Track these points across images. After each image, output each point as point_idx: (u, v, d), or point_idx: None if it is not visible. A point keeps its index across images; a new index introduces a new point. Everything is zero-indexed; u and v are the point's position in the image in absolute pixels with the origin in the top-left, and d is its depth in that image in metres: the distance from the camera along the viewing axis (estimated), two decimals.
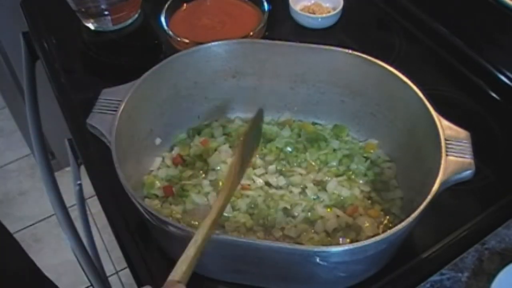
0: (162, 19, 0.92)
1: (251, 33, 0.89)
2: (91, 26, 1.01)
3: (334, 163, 0.76)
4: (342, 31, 0.99)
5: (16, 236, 0.92)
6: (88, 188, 0.85)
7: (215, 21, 0.96)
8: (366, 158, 0.76)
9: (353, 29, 1.00)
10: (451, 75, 0.92)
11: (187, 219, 0.70)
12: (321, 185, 0.74)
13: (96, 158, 0.80)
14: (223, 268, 0.65)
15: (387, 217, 0.70)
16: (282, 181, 0.74)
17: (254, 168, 0.76)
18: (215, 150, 0.77)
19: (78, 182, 0.99)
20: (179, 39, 0.89)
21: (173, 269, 0.50)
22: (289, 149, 0.77)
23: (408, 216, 0.57)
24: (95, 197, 0.77)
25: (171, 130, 0.79)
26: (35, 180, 1.81)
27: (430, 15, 0.99)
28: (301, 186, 0.74)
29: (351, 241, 0.67)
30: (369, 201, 0.72)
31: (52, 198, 0.95)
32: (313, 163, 0.76)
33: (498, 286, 0.57)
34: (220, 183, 0.74)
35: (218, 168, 0.76)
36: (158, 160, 0.77)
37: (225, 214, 0.71)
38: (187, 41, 0.88)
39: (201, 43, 0.76)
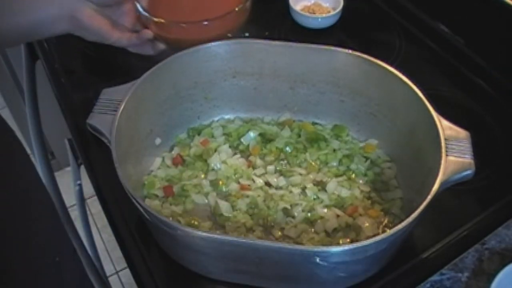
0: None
1: (236, 9, 0.81)
2: None
3: (334, 163, 0.76)
4: (342, 31, 0.99)
5: None
6: (88, 188, 0.85)
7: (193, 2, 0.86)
8: (366, 158, 0.76)
9: (353, 29, 1.00)
10: (451, 75, 0.92)
11: (187, 219, 0.70)
12: (321, 185, 0.74)
13: (96, 158, 0.80)
14: (223, 268, 0.65)
15: (387, 217, 0.70)
16: (282, 181, 0.74)
17: (254, 168, 0.76)
18: (215, 150, 0.77)
19: (78, 182, 0.99)
20: (155, 19, 0.81)
21: None
22: (289, 149, 0.77)
23: (408, 216, 0.57)
24: (95, 197, 0.77)
25: (171, 130, 0.79)
26: None
27: (430, 15, 0.99)
28: (301, 186, 0.74)
29: (351, 241, 0.67)
30: (369, 201, 0.72)
31: (52, 198, 0.95)
32: (313, 163, 0.76)
33: (498, 286, 0.57)
34: (220, 183, 0.74)
35: (218, 168, 0.76)
36: (158, 160, 0.77)
37: (225, 214, 0.71)
38: (163, 21, 0.81)
39: (180, 23, 0.76)
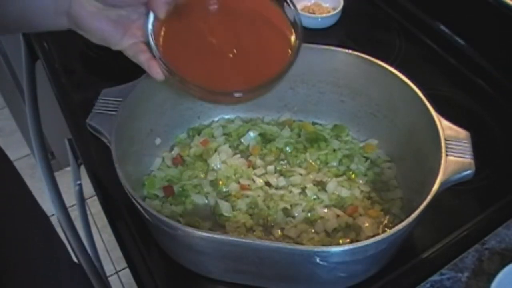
0: (149, 26, 0.60)
1: (279, 71, 0.61)
2: None
3: (334, 163, 0.76)
4: (342, 31, 0.99)
5: None
6: (88, 188, 0.85)
7: (226, 42, 0.62)
8: (366, 158, 0.76)
9: (353, 29, 1.00)
10: (451, 75, 0.92)
11: (187, 219, 0.70)
12: (321, 185, 0.74)
13: (96, 158, 0.80)
14: (223, 268, 0.65)
15: (387, 217, 0.70)
16: (282, 181, 0.74)
17: (254, 168, 0.76)
18: (215, 150, 0.77)
19: (78, 182, 0.99)
20: (165, 68, 0.60)
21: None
22: (289, 149, 0.77)
23: (408, 216, 0.57)
24: (95, 197, 0.77)
25: (171, 130, 0.79)
26: (35, 180, 1.80)
27: (430, 15, 0.99)
28: (301, 186, 0.74)
29: (351, 241, 0.67)
30: (369, 201, 0.72)
31: (52, 198, 0.95)
32: (313, 163, 0.76)
33: (498, 286, 0.57)
34: (220, 183, 0.74)
35: (218, 168, 0.76)
36: (158, 160, 0.77)
37: (225, 214, 0.71)
38: (179, 78, 0.60)
39: (203, 88, 0.59)
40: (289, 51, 0.63)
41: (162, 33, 0.61)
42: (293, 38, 0.63)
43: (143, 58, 0.60)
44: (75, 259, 0.87)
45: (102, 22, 0.57)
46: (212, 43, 0.62)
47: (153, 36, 0.59)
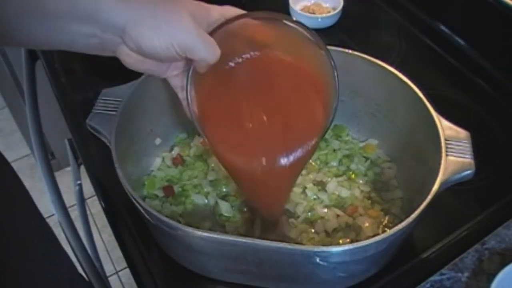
0: (189, 80, 0.60)
1: (314, 142, 0.61)
2: None
3: (334, 163, 0.76)
4: (342, 31, 0.99)
5: None
6: (88, 188, 0.85)
7: (258, 111, 0.61)
8: (366, 158, 0.76)
9: (353, 29, 1.00)
10: (452, 75, 0.92)
11: (187, 219, 0.70)
12: (321, 185, 0.74)
13: (96, 158, 0.80)
14: (223, 268, 0.65)
15: (387, 217, 0.70)
16: None
17: None
18: None
19: (78, 182, 0.99)
20: (202, 132, 0.61)
21: None
22: None
23: (408, 216, 0.57)
24: (95, 197, 0.77)
25: (171, 130, 0.79)
26: (35, 180, 1.81)
27: (430, 15, 0.99)
28: (301, 186, 0.74)
29: (351, 241, 0.67)
30: (369, 201, 0.72)
31: (52, 198, 0.95)
32: (313, 163, 0.76)
33: (498, 286, 0.57)
34: (220, 183, 0.74)
35: (218, 168, 0.76)
36: (158, 160, 0.77)
37: (225, 214, 0.71)
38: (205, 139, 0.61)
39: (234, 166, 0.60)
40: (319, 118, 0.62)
41: (200, 85, 0.61)
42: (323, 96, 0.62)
43: (181, 96, 0.64)
44: (74, 260, 0.87)
45: (147, 65, 0.60)
46: (246, 110, 0.61)
47: (190, 93, 0.60)
